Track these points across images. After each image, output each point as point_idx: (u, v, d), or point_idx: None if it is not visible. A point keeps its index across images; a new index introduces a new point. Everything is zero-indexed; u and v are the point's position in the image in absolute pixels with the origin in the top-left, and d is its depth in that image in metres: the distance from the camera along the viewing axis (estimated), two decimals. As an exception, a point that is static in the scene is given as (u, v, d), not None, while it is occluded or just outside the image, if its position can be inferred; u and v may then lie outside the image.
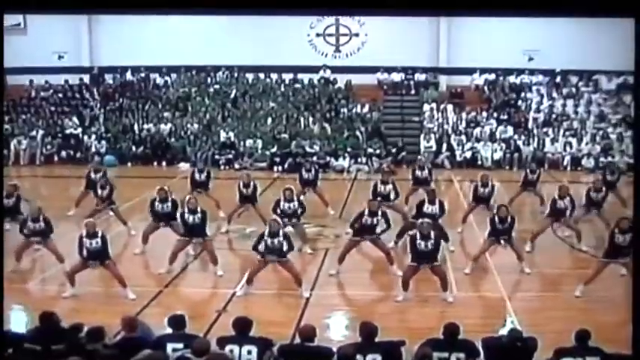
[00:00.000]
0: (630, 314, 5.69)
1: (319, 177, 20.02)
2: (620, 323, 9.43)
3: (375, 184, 17.85)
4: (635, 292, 5.46)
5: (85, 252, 12.85)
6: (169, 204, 15.67)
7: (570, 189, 16.76)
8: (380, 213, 14.44)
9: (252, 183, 17.87)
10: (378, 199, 16.40)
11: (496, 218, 14.52)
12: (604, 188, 17.28)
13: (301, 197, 17.61)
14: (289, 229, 14.80)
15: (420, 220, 13.50)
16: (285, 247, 13.09)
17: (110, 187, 17.70)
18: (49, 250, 14.39)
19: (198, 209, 14.40)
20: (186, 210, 14.41)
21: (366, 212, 14.36)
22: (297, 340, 8.61)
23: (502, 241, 14.51)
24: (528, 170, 20.04)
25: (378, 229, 14.53)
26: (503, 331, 8.89)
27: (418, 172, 19.57)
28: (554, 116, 30.66)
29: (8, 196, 15.89)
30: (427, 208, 15.66)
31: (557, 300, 13.21)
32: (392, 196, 17.49)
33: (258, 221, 16.73)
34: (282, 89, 32.75)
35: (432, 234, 12.90)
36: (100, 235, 13.00)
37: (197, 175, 19.01)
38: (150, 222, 15.91)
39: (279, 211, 15.55)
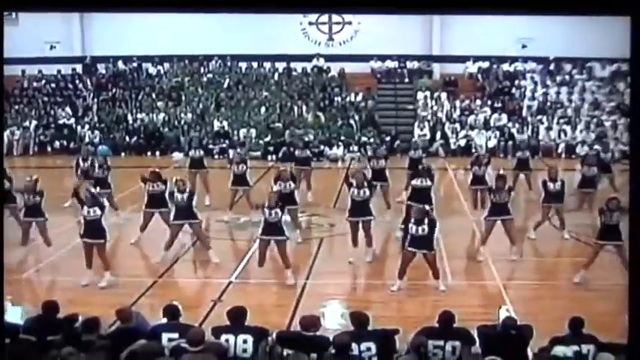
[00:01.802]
0: (625, 303, 5.70)
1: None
2: (616, 312, 9.45)
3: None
4: (631, 280, 5.47)
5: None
6: (160, 184, 15.55)
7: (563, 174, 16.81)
8: (366, 184, 14.43)
9: (243, 165, 17.87)
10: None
11: (494, 186, 14.64)
12: (595, 169, 17.38)
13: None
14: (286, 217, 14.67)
15: (414, 206, 13.59)
16: (281, 223, 13.11)
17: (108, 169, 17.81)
18: (40, 231, 14.45)
19: (187, 189, 14.46)
20: (175, 190, 14.43)
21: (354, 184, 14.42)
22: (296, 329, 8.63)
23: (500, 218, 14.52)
24: (520, 152, 20.20)
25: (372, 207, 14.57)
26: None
27: (412, 152, 19.99)
28: (548, 104, 30.69)
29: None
30: (416, 181, 15.89)
31: (552, 288, 13.24)
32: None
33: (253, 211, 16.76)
34: (276, 78, 32.70)
35: (426, 219, 12.85)
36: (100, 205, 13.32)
37: (192, 153, 19.48)
38: (144, 211, 15.83)
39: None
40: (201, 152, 19.56)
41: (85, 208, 13.11)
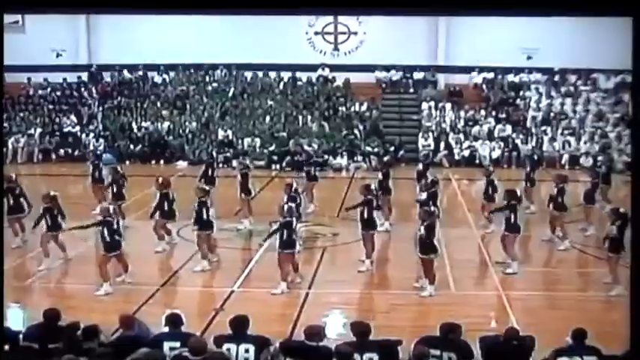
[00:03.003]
0: (628, 313, 5.69)
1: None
2: (618, 322, 9.42)
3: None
4: (634, 291, 5.45)
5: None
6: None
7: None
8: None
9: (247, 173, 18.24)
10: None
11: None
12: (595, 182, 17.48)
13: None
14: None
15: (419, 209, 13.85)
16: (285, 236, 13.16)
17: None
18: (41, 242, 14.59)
19: (207, 202, 14.61)
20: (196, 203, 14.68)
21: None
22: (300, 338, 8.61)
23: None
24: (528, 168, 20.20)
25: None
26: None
27: (420, 166, 20.11)
28: (552, 115, 30.63)
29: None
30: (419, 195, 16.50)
31: (555, 299, 13.22)
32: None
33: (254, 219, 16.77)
34: (281, 87, 32.73)
35: (425, 222, 13.01)
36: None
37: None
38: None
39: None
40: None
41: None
